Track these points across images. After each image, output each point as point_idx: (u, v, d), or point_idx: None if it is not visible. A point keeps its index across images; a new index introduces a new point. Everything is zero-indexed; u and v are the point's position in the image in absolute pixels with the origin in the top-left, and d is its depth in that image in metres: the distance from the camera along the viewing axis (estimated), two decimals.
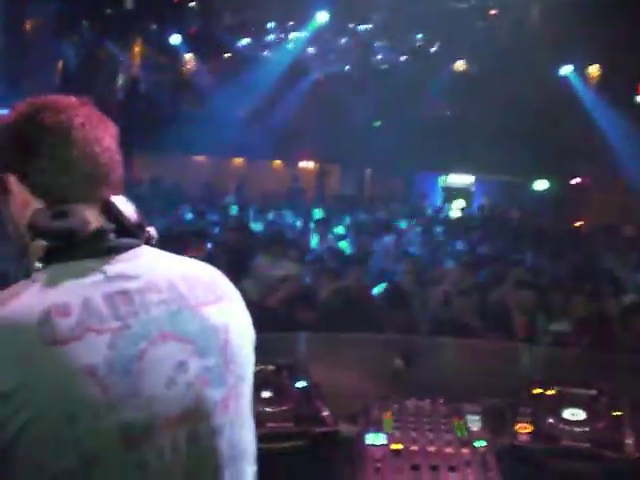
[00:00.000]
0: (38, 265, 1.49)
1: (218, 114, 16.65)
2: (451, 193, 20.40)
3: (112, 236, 1.54)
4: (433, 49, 16.76)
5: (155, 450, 1.44)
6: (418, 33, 16.22)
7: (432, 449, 2.74)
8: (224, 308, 1.63)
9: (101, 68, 17.71)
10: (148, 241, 1.63)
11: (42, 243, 1.49)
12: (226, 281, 1.70)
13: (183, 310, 1.54)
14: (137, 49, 18.42)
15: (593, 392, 3.13)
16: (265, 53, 16.63)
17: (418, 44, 16.41)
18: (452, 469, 2.65)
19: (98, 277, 1.48)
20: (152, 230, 1.64)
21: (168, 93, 18.92)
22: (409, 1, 13.30)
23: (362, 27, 15.22)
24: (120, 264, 1.52)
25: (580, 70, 17.43)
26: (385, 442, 2.75)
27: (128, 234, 1.57)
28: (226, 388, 1.57)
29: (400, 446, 2.73)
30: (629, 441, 2.85)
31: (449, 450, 2.74)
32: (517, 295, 7.90)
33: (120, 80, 18.81)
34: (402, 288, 8.01)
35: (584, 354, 5.84)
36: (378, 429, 2.81)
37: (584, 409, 3.00)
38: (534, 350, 5.45)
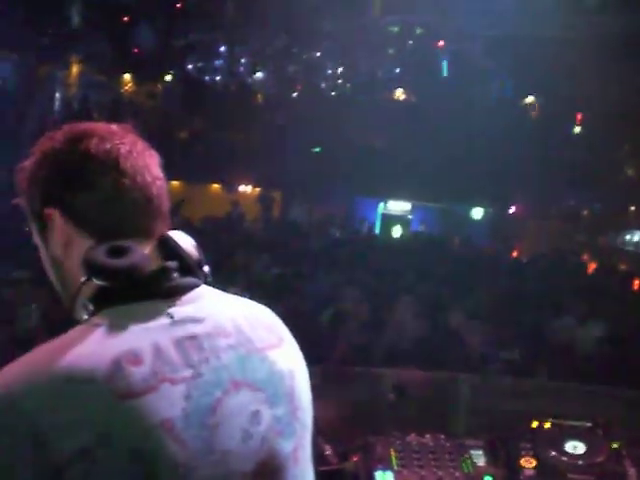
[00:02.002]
0: (90, 307, 1.36)
1: (156, 135, 16.40)
2: (390, 220, 20.58)
3: (175, 275, 1.42)
4: (377, 76, 16.96)
5: None
6: (364, 61, 16.41)
7: None
8: (287, 352, 1.51)
9: (40, 87, 17.32)
10: (205, 280, 1.51)
11: (99, 283, 1.35)
12: (282, 323, 1.58)
13: (252, 355, 1.42)
14: (75, 68, 18.12)
15: (589, 424, 3.14)
16: (212, 76, 16.55)
17: (364, 71, 16.59)
18: None
19: (165, 321, 1.34)
20: (206, 267, 1.51)
21: (106, 113, 18.64)
22: (357, 29, 13.44)
23: (312, 54, 15.30)
24: (185, 306, 1.39)
25: (518, 100, 17.87)
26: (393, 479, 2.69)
27: (189, 273, 1.44)
28: (295, 438, 1.45)
29: None
30: (631, 472, 2.86)
31: None
32: (469, 325, 8.01)
33: (58, 99, 18.45)
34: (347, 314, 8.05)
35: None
36: (385, 466, 2.75)
37: (583, 441, 3.01)
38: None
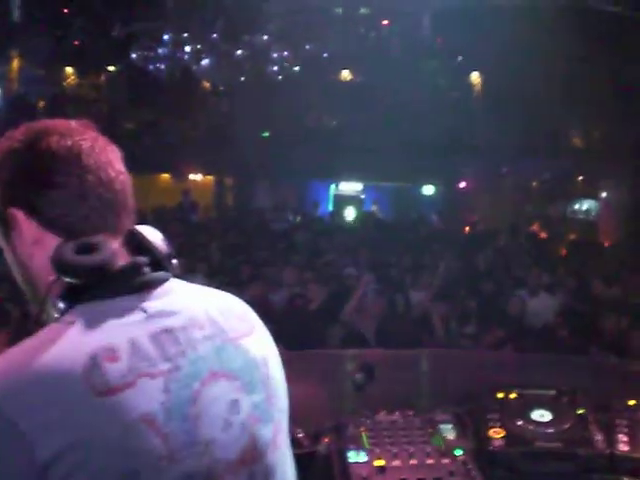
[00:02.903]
0: (61, 306, 1.35)
1: (102, 127, 16.20)
2: (342, 201, 20.63)
3: (146, 270, 1.41)
4: (323, 58, 16.93)
5: None
6: (310, 43, 16.36)
7: (414, 462, 2.71)
8: (259, 339, 1.53)
9: None
10: (174, 273, 1.50)
11: (70, 281, 1.34)
12: (252, 311, 1.59)
13: (226, 345, 1.43)
14: (15, 63, 17.77)
15: (553, 392, 3.19)
16: (157, 65, 16.34)
17: (309, 54, 16.54)
18: None
19: (139, 316, 1.35)
20: (174, 260, 1.51)
21: (49, 107, 18.32)
22: (302, 11, 13.39)
23: (257, 38, 15.20)
24: (158, 300, 1.39)
25: (465, 76, 18.00)
26: (366, 459, 2.71)
27: (159, 267, 1.44)
28: (274, 424, 1.47)
29: (383, 462, 2.69)
30: (598, 437, 2.91)
31: (430, 462, 2.72)
32: (435, 304, 8.11)
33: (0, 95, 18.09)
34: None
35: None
36: (357, 446, 2.76)
37: (549, 409, 3.05)
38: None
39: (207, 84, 18.40)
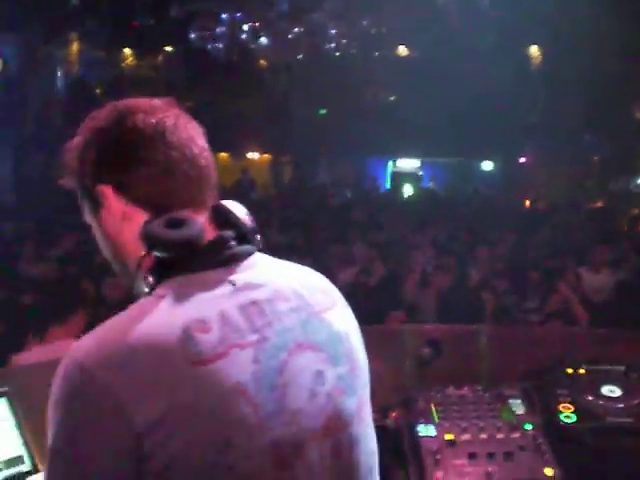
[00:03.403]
0: (151, 280, 1.39)
1: None
2: (400, 177, 20.55)
3: (232, 243, 1.45)
4: (380, 34, 16.81)
5: (305, 466, 1.37)
6: (366, 19, 16.25)
7: (484, 436, 2.73)
8: (341, 313, 1.55)
9: (41, 67, 17.25)
10: (259, 247, 1.54)
11: (160, 255, 1.38)
12: (333, 285, 1.62)
13: (311, 318, 1.46)
14: (75, 46, 18.05)
15: (621, 368, 3.17)
16: (215, 44, 16.43)
17: (366, 30, 16.44)
18: (508, 455, 2.65)
19: (227, 288, 1.38)
20: (258, 235, 1.54)
21: (109, 88, 18.60)
22: None
23: (315, 15, 15.16)
24: (244, 273, 1.42)
25: (523, 50, 17.70)
26: (436, 433, 2.74)
27: (245, 240, 1.48)
28: (357, 396, 1.50)
29: (452, 436, 2.72)
30: None
31: (500, 436, 2.74)
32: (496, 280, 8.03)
33: (60, 78, 18.40)
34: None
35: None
36: (427, 420, 2.80)
37: (618, 385, 3.04)
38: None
39: (264, 62, 18.44)
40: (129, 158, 1.43)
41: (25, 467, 2.29)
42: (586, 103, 15.69)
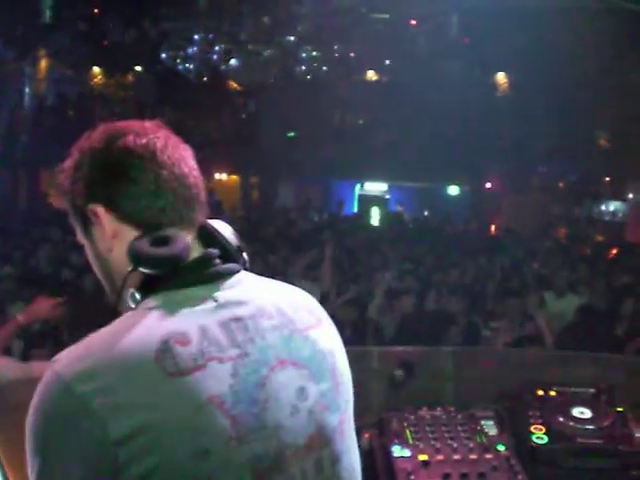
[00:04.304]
0: (137, 296, 1.42)
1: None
2: (367, 201, 20.65)
3: (217, 261, 1.48)
4: (350, 58, 16.96)
5: None
6: (338, 44, 16.39)
7: (457, 457, 2.75)
8: (326, 331, 1.58)
9: (8, 83, 17.14)
10: (244, 265, 1.56)
11: (146, 272, 1.41)
12: (318, 304, 1.64)
13: (294, 335, 1.48)
14: (44, 63, 17.95)
15: (592, 390, 3.22)
16: (186, 65, 16.44)
17: (337, 54, 16.59)
18: (482, 475, 2.67)
19: (210, 304, 1.41)
20: (245, 253, 1.58)
21: (77, 107, 18.53)
22: (331, 12, 13.44)
23: (287, 38, 15.27)
24: (228, 290, 1.45)
25: (490, 77, 17.96)
26: (410, 454, 2.75)
27: (230, 259, 1.51)
28: (340, 413, 1.51)
29: (426, 457, 2.74)
30: (638, 434, 2.94)
31: (474, 457, 2.77)
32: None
33: (27, 94, 18.28)
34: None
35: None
36: (401, 441, 2.81)
37: (589, 407, 3.08)
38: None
39: (234, 84, 18.49)
40: (120, 178, 1.46)
41: None
42: (551, 130, 15.93)
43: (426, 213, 18.96)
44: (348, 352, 1.64)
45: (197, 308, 1.39)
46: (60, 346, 1.37)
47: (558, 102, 14.98)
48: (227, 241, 1.52)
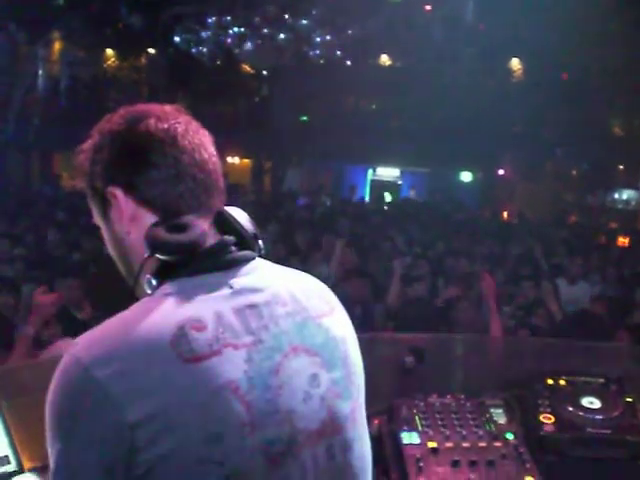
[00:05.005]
0: (153, 281, 1.43)
1: None
2: (379, 186, 20.60)
3: (233, 249, 1.48)
4: (364, 43, 16.89)
5: (298, 467, 1.39)
6: (352, 28, 16.34)
7: (467, 445, 2.76)
8: (338, 319, 1.58)
9: (23, 65, 17.16)
10: (260, 252, 1.57)
11: (162, 258, 1.42)
12: (331, 292, 1.65)
13: (308, 322, 1.49)
14: (57, 45, 17.98)
15: (602, 380, 3.21)
16: (200, 48, 16.41)
17: (351, 39, 16.54)
18: (490, 463, 2.68)
19: (225, 291, 1.42)
20: (260, 241, 1.58)
21: (90, 89, 18.54)
22: None
23: (301, 22, 15.22)
24: (244, 277, 1.46)
25: (505, 63, 17.86)
26: (420, 441, 2.76)
27: (246, 246, 1.51)
28: (352, 401, 1.52)
29: (435, 444, 2.75)
30: None
31: (483, 445, 2.77)
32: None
33: (41, 77, 18.31)
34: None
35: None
36: (410, 428, 2.82)
37: (598, 397, 3.08)
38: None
39: (248, 68, 18.46)
40: (140, 161, 1.45)
41: (11, 467, 2.28)
42: (565, 117, 15.85)
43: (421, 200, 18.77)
44: (358, 338, 1.65)
45: (213, 294, 1.40)
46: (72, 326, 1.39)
47: (571, 90, 14.88)
48: (243, 228, 1.52)
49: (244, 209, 1.59)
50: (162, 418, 1.27)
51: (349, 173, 20.86)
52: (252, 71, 18.56)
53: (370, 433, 1.65)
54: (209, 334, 1.34)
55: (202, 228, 1.45)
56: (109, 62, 19.00)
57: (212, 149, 1.53)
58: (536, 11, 13.30)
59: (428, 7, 15.38)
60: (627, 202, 18.14)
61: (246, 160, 20.55)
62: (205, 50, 16.24)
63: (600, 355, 4.04)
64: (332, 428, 1.46)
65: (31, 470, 2.30)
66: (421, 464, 2.64)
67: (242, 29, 15.39)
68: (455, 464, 2.66)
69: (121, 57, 18.70)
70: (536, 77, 16.70)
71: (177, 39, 15.93)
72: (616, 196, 18.36)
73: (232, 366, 1.34)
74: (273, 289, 1.48)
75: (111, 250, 1.56)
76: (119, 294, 1.52)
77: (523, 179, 18.37)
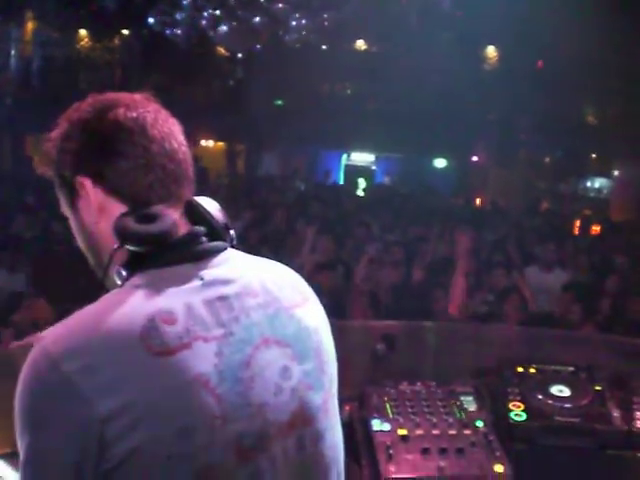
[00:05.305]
0: (123, 273, 1.41)
1: (116, 91, 16.19)
2: (353, 171, 20.61)
3: (204, 239, 1.47)
4: (340, 27, 16.85)
5: (268, 460, 1.39)
6: (328, 11, 16.29)
7: (436, 432, 2.77)
8: (311, 309, 1.57)
9: None
10: (232, 243, 1.56)
11: (132, 249, 1.40)
12: (304, 282, 1.64)
13: (279, 313, 1.48)
14: (30, 26, 17.73)
15: (571, 368, 3.24)
16: (174, 30, 16.26)
17: (326, 23, 16.49)
18: (460, 451, 2.69)
19: (196, 283, 1.40)
20: (232, 231, 1.57)
21: (63, 70, 18.31)
22: None
23: (277, 5, 15.13)
24: (215, 269, 1.45)
25: (480, 49, 17.91)
26: (390, 428, 2.77)
27: (217, 236, 1.50)
28: (323, 391, 1.52)
29: (405, 431, 2.75)
30: (616, 414, 2.96)
31: (452, 432, 2.78)
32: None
33: (14, 57, 18.07)
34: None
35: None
36: (381, 415, 2.82)
37: (567, 385, 3.10)
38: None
39: (223, 51, 18.34)
40: (109, 150, 1.44)
41: None
42: (538, 105, 15.94)
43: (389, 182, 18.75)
44: (330, 324, 1.65)
45: (183, 286, 1.39)
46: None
47: (545, 77, 14.96)
48: (214, 218, 1.51)
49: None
50: (132, 412, 1.26)
51: (324, 158, 20.85)
52: (227, 54, 18.43)
53: (341, 419, 1.66)
54: (179, 327, 1.33)
55: (172, 218, 1.43)
56: (82, 43, 18.79)
57: (182, 138, 1.52)
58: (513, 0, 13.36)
59: None
60: (599, 190, 18.32)
61: (220, 143, 20.46)
62: (179, 32, 16.11)
63: (570, 343, 4.09)
64: (303, 419, 1.46)
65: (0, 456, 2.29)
66: (391, 451, 2.65)
67: (217, 11, 15.26)
68: (425, 451, 2.67)
69: (94, 38, 18.49)
70: (511, 65, 16.78)
71: (151, 20, 15.75)
72: (588, 184, 18.53)
73: (202, 359, 1.33)
74: (244, 280, 1.47)
75: (79, 240, 1.54)
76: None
77: (496, 166, 18.46)
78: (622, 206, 16.58)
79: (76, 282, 4.66)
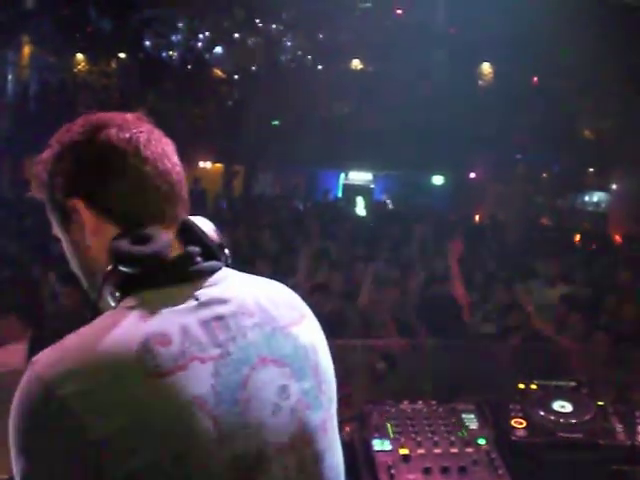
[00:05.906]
0: (117, 294, 1.39)
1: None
2: (352, 190, 20.60)
3: (198, 259, 1.45)
4: (335, 47, 16.92)
5: None
6: (323, 32, 16.36)
7: (438, 451, 2.74)
8: (308, 327, 1.55)
9: None
10: (227, 262, 1.54)
11: (126, 271, 1.38)
12: (301, 300, 1.62)
13: (276, 332, 1.46)
14: (27, 50, 17.80)
15: (573, 384, 3.22)
16: (170, 53, 16.31)
17: (322, 43, 16.56)
18: (462, 469, 2.67)
19: (191, 303, 1.38)
20: (226, 250, 1.55)
21: (60, 94, 18.36)
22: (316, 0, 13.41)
23: (272, 26, 15.21)
24: (210, 288, 1.43)
25: (475, 67, 17.99)
26: (391, 448, 2.74)
27: (211, 256, 1.48)
28: (322, 411, 1.50)
29: (407, 451, 2.73)
30: (619, 429, 2.94)
31: (454, 451, 2.75)
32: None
33: (10, 81, 18.13)
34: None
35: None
36: (382, 435, 2.80)
37: (570, 401, 3.08)
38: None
39: (219, 72, 18.40)
40: (101, 172, 1.42)
41: None
42: (535, 120, 15.99)
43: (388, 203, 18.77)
44: (330, 345, 1.63)
45: (178, 307, 1.37)
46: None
47: (541, 93, 15.01)
48: (208, 238, 1.49)
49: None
50: (127, 436, 1.23)
51: (322, 177, 20.86)
52: (223, 75, 18.49)
53: (341, 440, 1.64)
54: (174, 348, 1.31)
55: (166, 239, 1.41)
56: (79, 67, 18.84)
57: (175, 158, 1.50)
58: (507, 16, 13.40)
59: (399, 11, 15.44)
60: (597, 204, 18.32)
61: (218, 165, 20.47)
62: (175, 54, 16.15)
63: (572, 359, 4.07)
64: (302, 440, 1.44)
65: None
66: (393, 471, 2.62)
67: (212, 33, 15.32)
68: (427, 471, 2.64)
69: (91, 62, 18.55)
70: (507, 81, 16.84)
71: (147, 43, 15.80)
72: (586, 198, 18.54)
73: (198, 381, 1.31)
74: (240, 299, 1.46)
75: (72, 263, 1.52)
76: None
77: (494, 181, 18.48)
78: (620, 220, 16.58)
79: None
